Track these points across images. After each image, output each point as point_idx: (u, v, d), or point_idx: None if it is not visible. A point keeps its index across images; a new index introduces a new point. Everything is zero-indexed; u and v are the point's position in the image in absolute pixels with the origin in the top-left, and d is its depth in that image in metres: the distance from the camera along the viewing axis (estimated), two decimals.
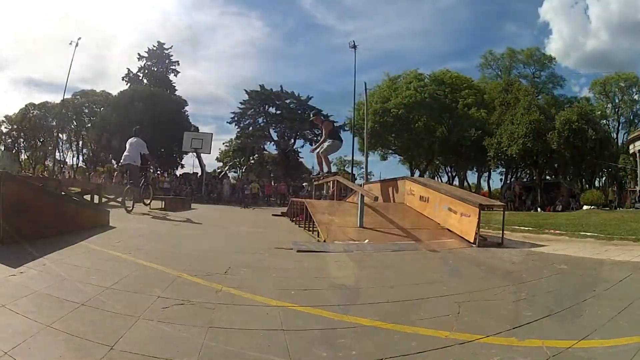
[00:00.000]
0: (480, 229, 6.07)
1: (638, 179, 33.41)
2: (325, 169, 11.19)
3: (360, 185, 11.85)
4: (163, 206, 12.90)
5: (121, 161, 10.33)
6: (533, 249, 5.91)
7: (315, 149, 11.05)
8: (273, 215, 13.49)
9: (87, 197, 12.90)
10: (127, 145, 10.17)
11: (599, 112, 45.25)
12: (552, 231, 9.14)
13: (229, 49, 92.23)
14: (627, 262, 4.69)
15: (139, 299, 2.56)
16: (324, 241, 5.86)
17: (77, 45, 35.50)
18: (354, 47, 30.18)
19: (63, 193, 10.76)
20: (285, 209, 13.73)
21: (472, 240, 5.90)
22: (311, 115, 10.63)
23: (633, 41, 70.63)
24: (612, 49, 71.98)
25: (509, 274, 4.17)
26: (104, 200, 13.28)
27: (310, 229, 7.59)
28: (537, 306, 2.93)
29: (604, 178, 45.04)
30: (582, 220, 13.09)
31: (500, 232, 6.37)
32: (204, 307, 2.49)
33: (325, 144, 10.52)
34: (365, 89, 31.66)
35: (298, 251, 5.02)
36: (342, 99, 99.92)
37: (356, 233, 6.27)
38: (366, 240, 5.85)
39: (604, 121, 46.07)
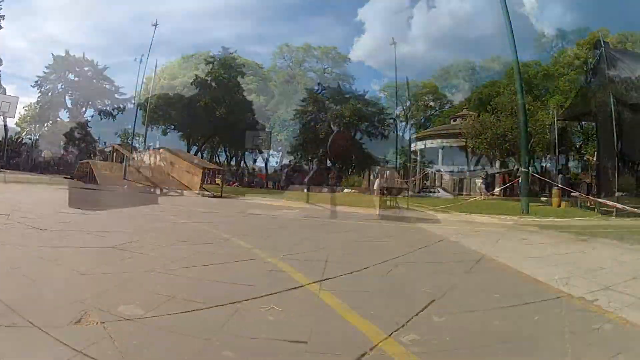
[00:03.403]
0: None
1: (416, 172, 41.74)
2: None
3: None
4: None
5: None
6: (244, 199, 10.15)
7: None
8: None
9: None
10: None
11: (388, 112, 55.25)
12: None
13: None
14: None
15: None
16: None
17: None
18: (155, 25, 32.25)
19: None
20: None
21: (196, 191, 9.86)
22: None
23: (449, 53, 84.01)
24: (425, 57, 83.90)
25: (181, 205, 8.06)
26: None
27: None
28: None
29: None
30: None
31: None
32: None
33: None
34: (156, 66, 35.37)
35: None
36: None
37: (124, 182, 9.61)
38: (126, 186, 9.28)
39: (391, 120, 56.53)
